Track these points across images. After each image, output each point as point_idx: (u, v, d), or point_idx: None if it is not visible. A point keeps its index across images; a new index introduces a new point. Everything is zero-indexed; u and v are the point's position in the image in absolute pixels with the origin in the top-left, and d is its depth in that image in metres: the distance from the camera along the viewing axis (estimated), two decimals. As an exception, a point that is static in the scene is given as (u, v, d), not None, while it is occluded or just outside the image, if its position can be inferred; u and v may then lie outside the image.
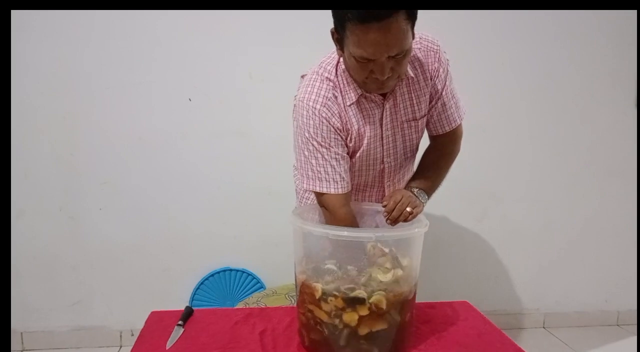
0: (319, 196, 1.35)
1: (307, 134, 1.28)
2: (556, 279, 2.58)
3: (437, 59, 1.31)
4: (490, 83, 2.31)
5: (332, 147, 1.29)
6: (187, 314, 1.41)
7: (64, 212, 2.18)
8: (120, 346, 2.29)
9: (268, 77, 2.17)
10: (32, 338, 2.26)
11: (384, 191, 1.50)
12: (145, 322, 1.39)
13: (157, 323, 1.37)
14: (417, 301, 1.27)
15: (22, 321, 2.24)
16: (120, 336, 2.31)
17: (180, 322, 1.35)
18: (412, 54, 1.28)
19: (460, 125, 1.43)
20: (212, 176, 2.23)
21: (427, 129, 1.45)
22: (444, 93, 1.35)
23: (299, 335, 1.27)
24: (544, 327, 2.60)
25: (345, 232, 1.08)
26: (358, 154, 1.36)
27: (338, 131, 1.29)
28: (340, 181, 1.31)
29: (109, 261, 2.24)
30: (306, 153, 1.30)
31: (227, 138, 2.21)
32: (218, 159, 2.22)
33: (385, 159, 1.41)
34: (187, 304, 2.26)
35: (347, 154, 1.35)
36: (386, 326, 1.13)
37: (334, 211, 1.32)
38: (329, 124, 1.27)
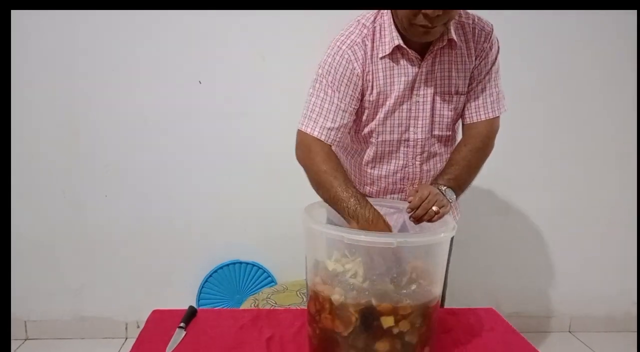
0: (301, 134, 1.27)
1: (321, 70, 1.24)
2: (582, 282, 2.44)
3: (487, 40, 1.26)
4: (508, 74, 2.14)
5: (340, 92, 1.22)
6: (190, 315, 1.31)
7: (67, 196, 2.11)
8: (126, 338, 2.23)
9: (281, 59, 2.06)
10: (36, 327, 2.21)
11: (407, 176, 1.39)
12: (146, 322, 1.31)
13: (158, 323, 1.28)
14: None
15: (26, 309, 2.19)
16: (126, 328, 2.24)
17: (182, 324, 1.26)
18: (462, 25, 1.24)
19: (497, 118, 1.33)
20: (222, 162, 2.14)
21: (462, 117, 1.35)
22: (487, 78, 1.28)
23: (309, 344, 1.17)
24: (569, 332, 2.48)
25: (363, 237, 0.97)
26: (382, 114, 1.28)
27: (357, 77, 1.22)
28: (328, 130, 1.23)
29: (113, 249, 2.18)
30: (311, 90, 1.26)
31: (237, 122, 2.10)
32: (228, 145, 2.13)
33: (411, 129, 1.31)
34: (195, 298, 2.19)
35: (356, 112, 1.28)
36: (406, 337, 1.02)
37: (311, 151, 1.23)
38: (348, 65, 1.21)
